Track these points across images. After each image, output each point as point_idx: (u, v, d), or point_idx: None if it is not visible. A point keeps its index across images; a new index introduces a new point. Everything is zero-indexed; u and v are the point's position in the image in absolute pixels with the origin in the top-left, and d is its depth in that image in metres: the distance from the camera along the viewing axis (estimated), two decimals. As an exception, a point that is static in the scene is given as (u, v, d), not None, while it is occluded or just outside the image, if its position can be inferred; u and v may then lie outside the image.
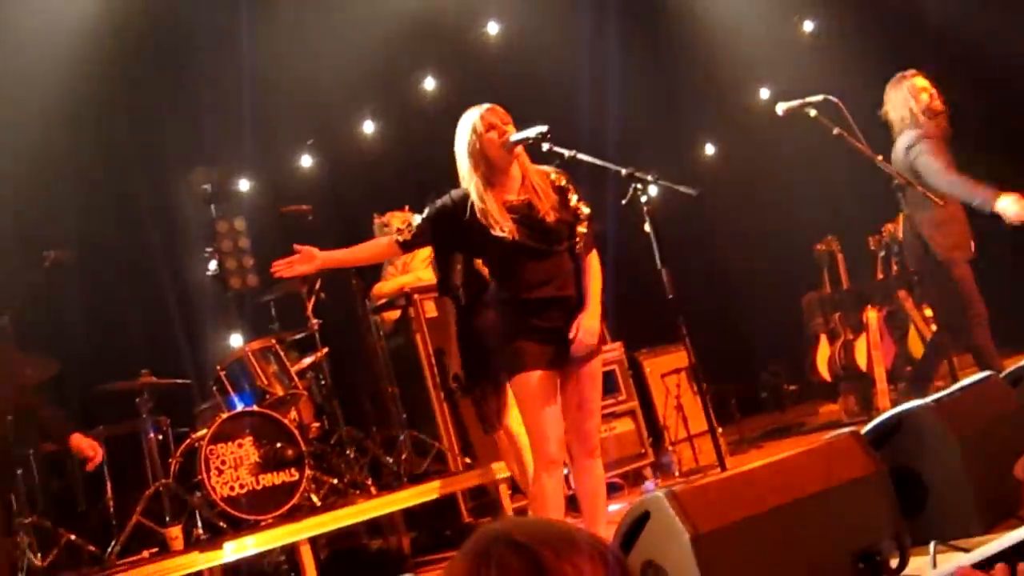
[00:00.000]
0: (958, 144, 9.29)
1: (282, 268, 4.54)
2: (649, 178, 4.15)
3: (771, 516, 3.05)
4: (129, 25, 7.63)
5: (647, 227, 4.17)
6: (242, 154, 9.06)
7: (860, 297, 8.55)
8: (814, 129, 7.57)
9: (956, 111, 9.89)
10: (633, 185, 4.15)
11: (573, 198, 4.44)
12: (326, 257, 4.58)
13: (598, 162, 4.28)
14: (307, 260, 4.51)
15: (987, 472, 3.59)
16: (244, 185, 9.36)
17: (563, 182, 4.46)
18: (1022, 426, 3.84)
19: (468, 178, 4.41)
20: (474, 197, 4.38)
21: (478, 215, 4.33)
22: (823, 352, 8.53)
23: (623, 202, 4.13)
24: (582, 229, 4.46)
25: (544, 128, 4.30)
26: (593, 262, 4.54)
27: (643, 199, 4.12)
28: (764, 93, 10.38)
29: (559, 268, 4.42)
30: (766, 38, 9.96)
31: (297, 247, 4.54)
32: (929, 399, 3.80)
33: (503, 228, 4.29)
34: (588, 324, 4.40)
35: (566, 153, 4.31)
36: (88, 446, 5.89)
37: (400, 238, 4.52)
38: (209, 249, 8.97)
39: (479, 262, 5.26)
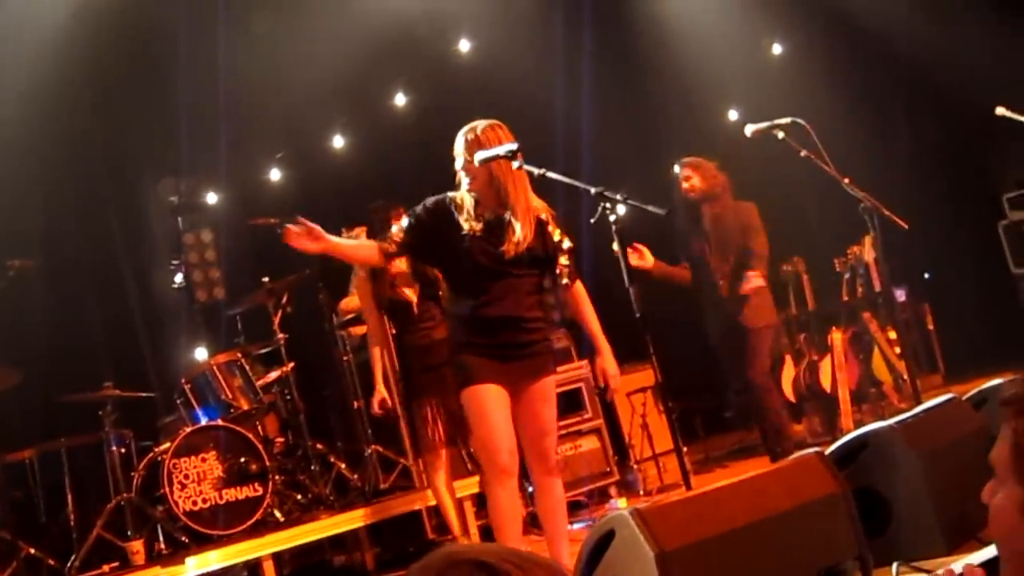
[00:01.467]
0: (918, 162, 9.46)
1: (293, 237, 4.46)
2: (618, 197, 4.17)
3: (736, 535, 3.06)
4: (101, 33, 7.57)
5: (615, 246, 4.18)
6: (211, 166, 9.02)
7: (825, 318, 8.61)
8: (781, 151, 7.66)
9: (917, 131, 10.07)
10: (602, 204, 4.16)
11: (556, 232, 4.47)
12: (329, 243, 4.50)
13: (568, 181, 4.30)
14: (314, 239, 4.43)
15: (950, 493, 3.62)
16: (212, 197, 9.32)
17: (544, 215, 4.49)
18: (985, 448, 3.86)
19: (458, 189, 4.48)
20: (460, 193, 4.44)
21: (463, 220, 4.36)
22: (788, 373, 8.57)
23: (592, 221, 4.15)
24: (564, 261, 4.52)
25: (514, 146, 4.30)
26: (580, 291, 4.64)
27: (611, 218, 4.13)
28: (733, 115, 10.45)
29: (516, 289, 4.44)
30: (736, 60, 10.04)
31: (302, 221, 4.45)
32: (893, 420, 3.83)
33: (470, 225, 4.33)
34: (612, 369, 4.57)
35: (536, 171, 4.33)
36: None
37: (386, 248, 4.52)
38: (176, 261, 8.94)
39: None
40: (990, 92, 7.43)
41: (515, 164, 4.32)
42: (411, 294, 6.10)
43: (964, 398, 4.22)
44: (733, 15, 9.93)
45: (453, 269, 4.55)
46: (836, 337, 8.22)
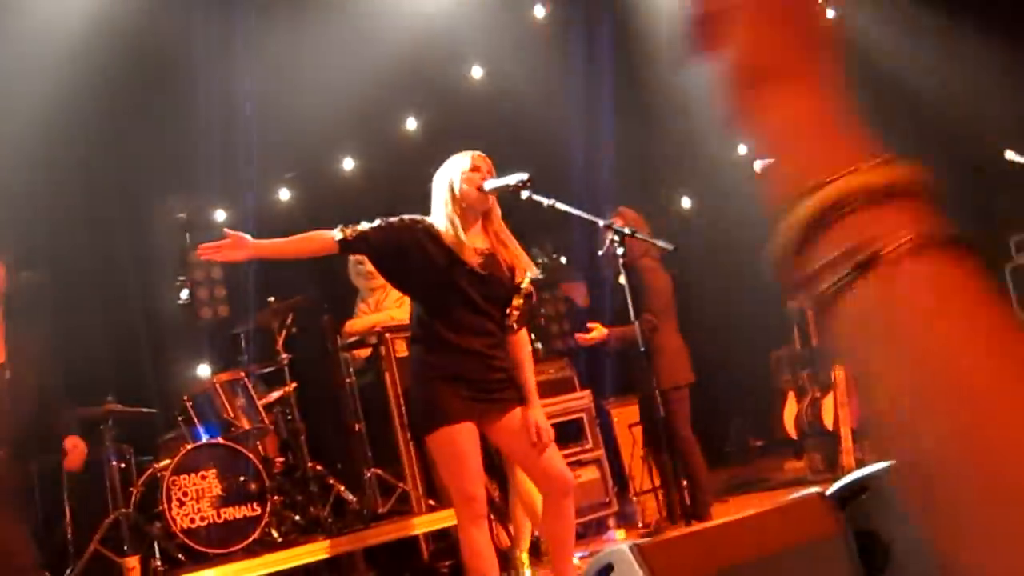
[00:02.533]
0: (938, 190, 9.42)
1: (210, 251, 4.38)
2: (627, 231, 4.17)
3: (735, 572, 3.05)
4: (115, 49, 7.60)
5: (622, 279, 4.18)
6: (219, 184, 9.04)
7: (829, 356, 8.60)
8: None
9: (932, 157, 10.08)
10: (610, 237, 4.17)
11: (520, 273, 4.46)
12: (258, 245, 4.44)
13: (577, 212, 4.31)
14: (237, 247, 4.36)
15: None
16: (220, 215, 9.33)
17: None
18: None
19: (441, 209, 4.43)
20: (444, 227, 4.38)
21: (445, 241, 4.33)
22: (790, 408, 8.57)
23: (599, 253, 4.16)
24: (518, 302, 4.47)
25: (524, 176, 4.32)
26: (523, 338, 4.56)
27: (619, 251, 4.14)
28: (742, 149, 10.47)
29: (489, 327, 4.43)
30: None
31: (228, 232, 4.40)
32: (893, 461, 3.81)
33: (471, 261, 4.30)
34: (542, 422, 4.40)
35: (545, 202, 4.34)
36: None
37: (341, 236, 4.41)
38: (181, 278, 8.95)
39: None
40: (1000, 135, 7.47)
41: (524, 194, 4.34)
42: None
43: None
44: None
45: (431, 294, 4.47)
46: (839, 374, 8.21)
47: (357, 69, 8.61)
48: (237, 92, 8.56)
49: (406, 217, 4.50)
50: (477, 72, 9.77)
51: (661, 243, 4.10)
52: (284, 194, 9.55)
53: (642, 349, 4.07)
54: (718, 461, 9.65)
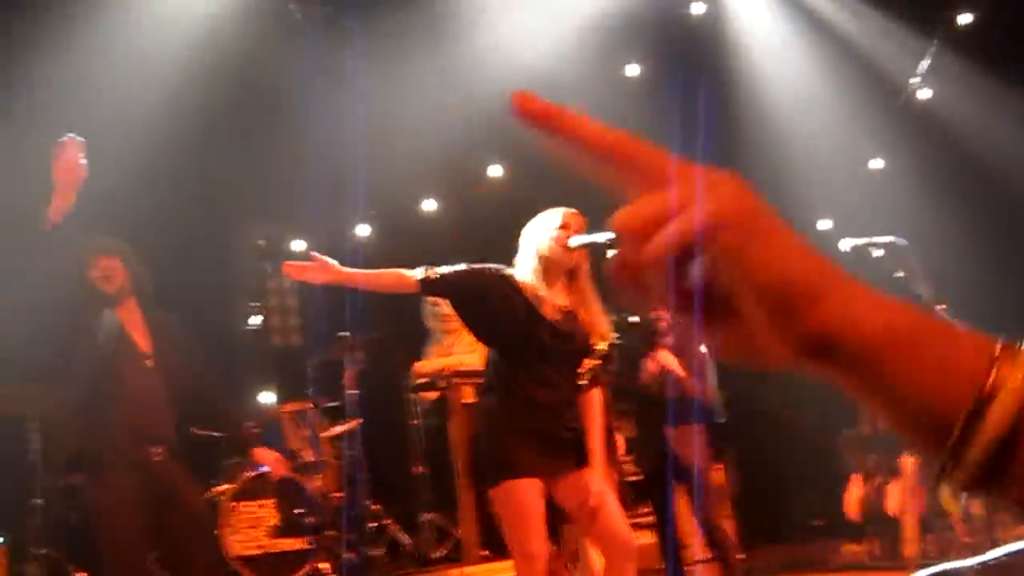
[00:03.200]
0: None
1: (293, 270, 4.44)
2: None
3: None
4: (223, 68, 7.75)
5: (703, 349, 4.12)
6: (301, 215, 9.13)
7: (898, 442, 8.44)
8: (867, 268, 7.55)
9: (1012, 247, 9.91)
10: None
11: (597, 337, 4.42)
12: (339, 273, 4.49)
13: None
14: (321, 270, 4.42)
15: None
16: (299, 245, 9.41)
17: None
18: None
19: (527, 264, 4.40)
20: (528, 279, 4.35)
21: (525, 294, 4.31)
22: (855, 491, 8.40)
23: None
24: (593, 362, 4.44)
25: (612, 235, 4.28)
26: (595, 397, 4.49)
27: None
28: (824, 224, 10.38)
29: (564, 384, 4.39)
30: (834, 171, 9.99)
31: (313, 255, 4.45)
32: (973, 561, 3.70)
33: (551, 317, 4.28)
34: (596, 486, 4.31)
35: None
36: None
37: (423, 276, 4.42)
38: (256, 303, 9.01)
39: None
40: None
41: (611, 252, 4.31)
42: None
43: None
44: (835, 125, 9.89)
45: (508, 344, 4.43)
46: (908, 461, 8.05)
47: (447, 112, 8.68)
48: (331, 127, 8.65)
49: (490, 266, 4.48)
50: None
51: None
52: (363, 229, 9.60)
53: (720, 420, 3.99)
54: (776, 538, 9.48)
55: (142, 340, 4.98)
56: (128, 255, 5.09)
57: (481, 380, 7.01)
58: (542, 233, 4.40)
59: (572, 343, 4.38)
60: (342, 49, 8.34)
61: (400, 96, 8.62)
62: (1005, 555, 3.31)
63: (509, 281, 4.39)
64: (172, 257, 8.54)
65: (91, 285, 4.92)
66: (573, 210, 4.42)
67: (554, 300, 4.39)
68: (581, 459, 4.37)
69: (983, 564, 3.25)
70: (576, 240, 4.25)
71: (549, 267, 4.38)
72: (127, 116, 7.50)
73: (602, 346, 4.42)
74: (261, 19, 8.18)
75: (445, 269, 4.45)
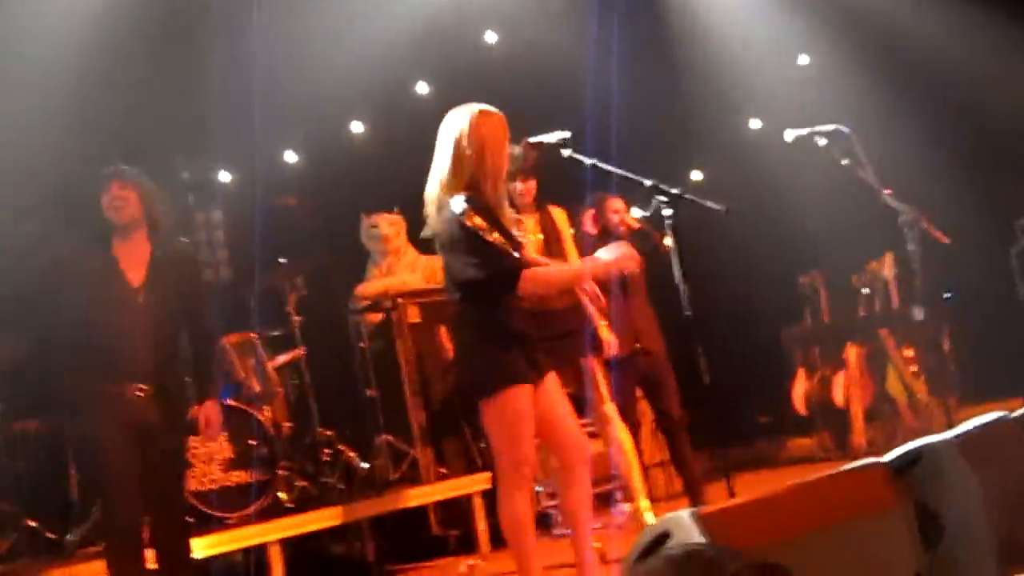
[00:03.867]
0: (946, 180, 9.37)
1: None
2: (675, 191, 4.05)
3: (798, 543, 2.95)
4: (128, 7, 7.46)
5: (668, 241, 4.06)
6: (226, 145, 8.90)
7: (841, 333, 8.53)
8: (801, 163, 7.55)
9: (939, 138, 10.02)
10: (656, 198, 4.05)
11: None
12: None
13: (622, 172, 4.19)
14: None
15: (1005, 515, 3.52)
16: (225, 176, 9.19)
17: None
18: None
19: (487, 173, 4.21)
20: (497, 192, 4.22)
21: (496, 211, 4.18)
22: (800, 386, 8.49)
23: (646, 215, 4.04)
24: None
25: (567, 134, 4.20)
26: None
27: (666, 213, 4.01)
28: (755, 123, 10.38)
29: None
30: (763, 68, 9.95)
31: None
32: (950, 434, 3.72)
33: (525, 234, 4.20)
34: (555, 393, 4.33)
35: (587, 161, 4.22)
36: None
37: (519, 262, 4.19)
38: (183, 239, 8.78)
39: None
40: (1020, 117, 7.37)
41: (565, 152, 4.22)
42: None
43: (1012, 417, 4.11)
44: (765, 23, 9.84)
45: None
46: (851, 352, 8.15)
47: (371, 32, 8.47)
48: (247, 54, 8.40)
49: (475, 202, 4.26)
50: (492, 37, 9.63)
51: (711, 204, 3.98)
52: (291, 156, 9.39)
53: (688, 313, 3.95)
54: (725, 439, 9.58)
55: (136, 275, 4.79)
56: (145, 184, 4.90)
57: (426, 299, 6.98)
58: (501, 142, 4.23)
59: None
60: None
61: (321, 17, 8.39)
62: (976, 427, 3.27)
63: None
64: (93, 196, 8.30)
65: (98, 213, 4.78)
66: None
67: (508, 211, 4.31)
68: (549, 365, 4.32)
69: (959, 436, 3.20)
70: (535, 139, 4.16)
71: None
72: (38, 52, 7.22)
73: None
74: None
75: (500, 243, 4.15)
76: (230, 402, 6.32)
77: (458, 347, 4.30)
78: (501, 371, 4.13)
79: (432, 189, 4.23)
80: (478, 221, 3.98)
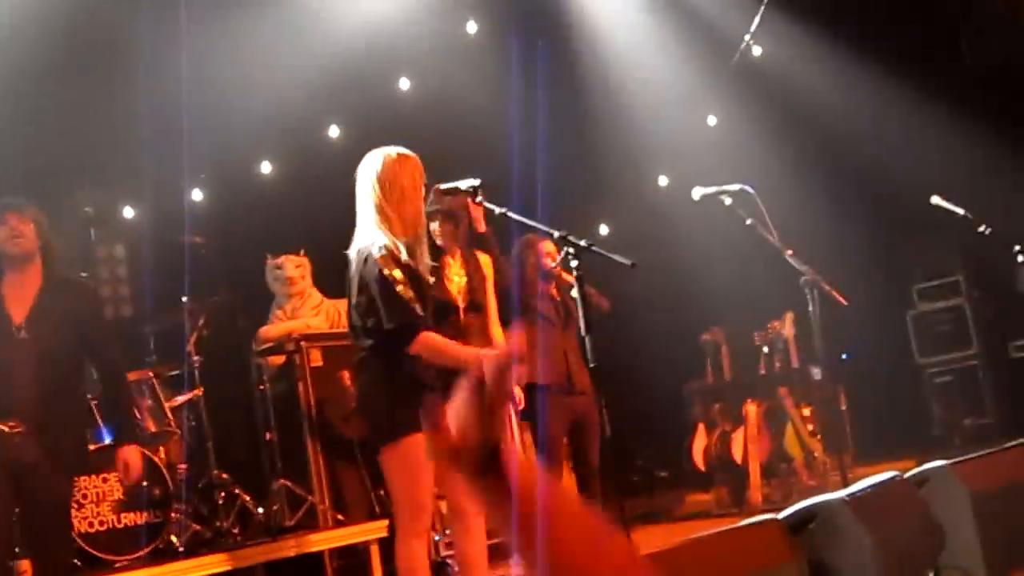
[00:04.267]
0: (843, 244, 9.59)
1: None
2: (583, 243, 4.08)
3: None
4: (48, 23, 7.32)
5: (574, 293, 4.09)
6: (131, 180, 8.76)
7: (741, 390, 8.63)
8: (707, 221, 7.67)
9: (842, 201, 10.27)
10: (565, 249, 4.07)
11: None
12: None
13: (529, 222, 4.22)
14: None
15: (896, 571, 3.58)
16: (129, 212, 9.04)
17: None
18: (929, 529, 3.86)
19: (406, 221, 4.21)
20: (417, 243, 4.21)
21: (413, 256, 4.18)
22: (700, 441, 8.56)
23: (553, 265, 4.07)
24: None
25: (476, 181, 4.22)
26: None
27: (573, 264, 4.04)
28: (663, 180, 10.54)
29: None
30: (674, 126, 10.13)
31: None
32: (842, 493, 3.78)
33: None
34: None
35: (496, 210, 4.24)
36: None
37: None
38: (84, 274, 8.61)
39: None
40: (916, 186, 7.58)
41: (476, 200, 4.24)
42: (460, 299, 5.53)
43: (905, 477, 4.20)
44: (676, 82, 10.03)
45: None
46: (750, 409, 8.24)
47: (284, 73, 8.43)
48: (157, 89, 8.30)
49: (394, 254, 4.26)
50: (406, 84, 9.65)
51: (619, 258, 4.02)
52: (197, 194, 9.26)
53: (592, 365, 3.97)
54: (624, 492, 9.61)
55: (20, 309, 4.67)
56: (40, 217, 4.79)
57: (329, 343, 6.92)
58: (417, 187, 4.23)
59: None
60: (172, 6, 7.99)
61: (234, 55, 8.33)
62: (870, 486, 3.34)
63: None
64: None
65: None
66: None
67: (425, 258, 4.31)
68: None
69: (853, 495, 3.27)
70: (446, 185, 4.17)
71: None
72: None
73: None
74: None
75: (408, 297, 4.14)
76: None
77: (361, 392, 4.25)
78: (403, 418, 4.12)
79: (358, 231, 4.24)
80: (394, 272, 3.99)
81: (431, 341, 4.06)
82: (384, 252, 4.05)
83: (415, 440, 4.10)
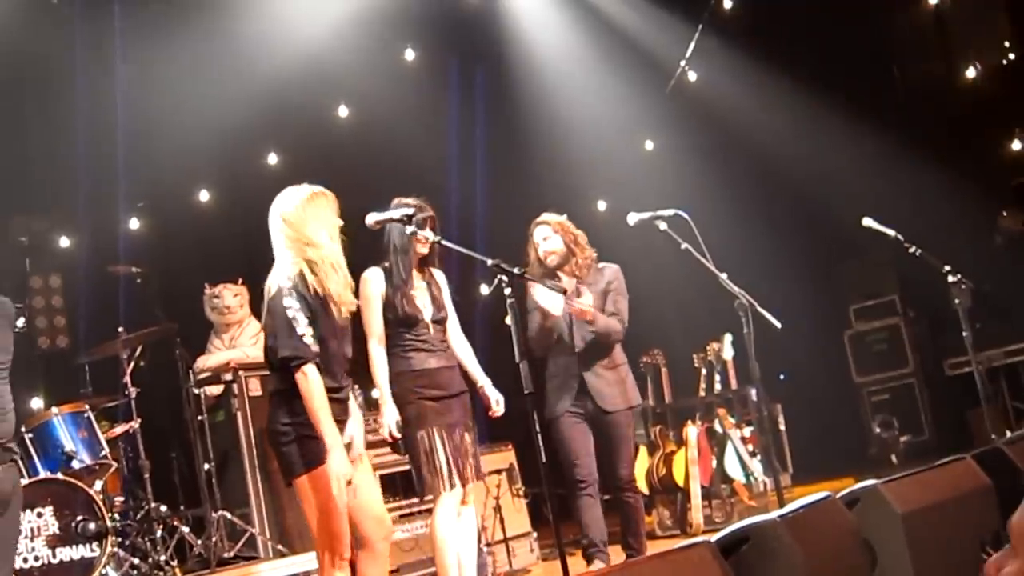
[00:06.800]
0: (779, 267, 9.72)
1: None
2: (516, 271, 4.11)
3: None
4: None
5: (509, 320, 4.12)
6: (67, 209, 8.69)
7: (682, 412, 8.69)
8: (647, 245, 7.73)
9: (778, 224, 10.41)
10: (498, 277, 4.10)
11: None
12: None
13: (463, 250, 4.25)
14: None
15: (828, 591, 3.63)
16: (65, 241, 8.96)
17: None
18: (860, 548, 3.91)
19: (315, 250, 4.24)
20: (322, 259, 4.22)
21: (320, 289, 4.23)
22: (641, 463, 8.59)
23: (487, 292, 4.10)
24: None
25: (409, 211, 4.24)
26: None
27: (507, 291, 4.07)
28: (601, 205, 10.60)
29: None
30: (611, 152, 10.22)
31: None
32: (775, 514, 3.82)
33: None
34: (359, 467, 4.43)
35: (431, 237, 4.26)
36: None
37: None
38: (19, 304, 8.50)
39: None
40: (851, 209, 7.70)
41: (408, 229, 4.25)
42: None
43: (838, 497, 4.25)
44: (613, 107, 10.12)
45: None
46: (691, 431, 8.30)
47: (222, 100, 8.41)
48: (92, 117, 8.24)
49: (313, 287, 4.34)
50: (344, 111, 9.66)
51: (552, 284, 4.06)
52: (134, 223, 9.19)
53: (528, 391, 3.99)
54: (567, 514, 9.62)
55: None
56: None
57: (268, 372, 6.87)
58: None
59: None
60: (107, 33, 7.95)
61: (172, 83, 8.31)
62: (803, 506, 3.40)
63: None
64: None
65: None
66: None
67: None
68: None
69: (786, 515, 3.33)
70: (377, 216, 4.18)
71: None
72: None
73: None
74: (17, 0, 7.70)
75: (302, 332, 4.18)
76: (58, 475, 6.10)
77: (273, 423, 4.23)
78: (313, 448, 4.13)
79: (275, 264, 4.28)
80: (293, 304, 4.02)
81: (307, 383, 4.06)
82: (288, 284, 4.10)
83: (322, 471, 4.11)
